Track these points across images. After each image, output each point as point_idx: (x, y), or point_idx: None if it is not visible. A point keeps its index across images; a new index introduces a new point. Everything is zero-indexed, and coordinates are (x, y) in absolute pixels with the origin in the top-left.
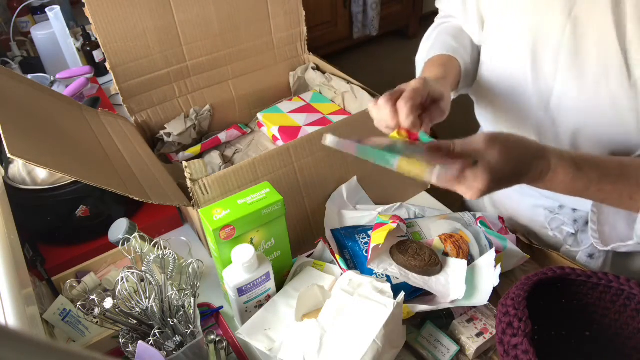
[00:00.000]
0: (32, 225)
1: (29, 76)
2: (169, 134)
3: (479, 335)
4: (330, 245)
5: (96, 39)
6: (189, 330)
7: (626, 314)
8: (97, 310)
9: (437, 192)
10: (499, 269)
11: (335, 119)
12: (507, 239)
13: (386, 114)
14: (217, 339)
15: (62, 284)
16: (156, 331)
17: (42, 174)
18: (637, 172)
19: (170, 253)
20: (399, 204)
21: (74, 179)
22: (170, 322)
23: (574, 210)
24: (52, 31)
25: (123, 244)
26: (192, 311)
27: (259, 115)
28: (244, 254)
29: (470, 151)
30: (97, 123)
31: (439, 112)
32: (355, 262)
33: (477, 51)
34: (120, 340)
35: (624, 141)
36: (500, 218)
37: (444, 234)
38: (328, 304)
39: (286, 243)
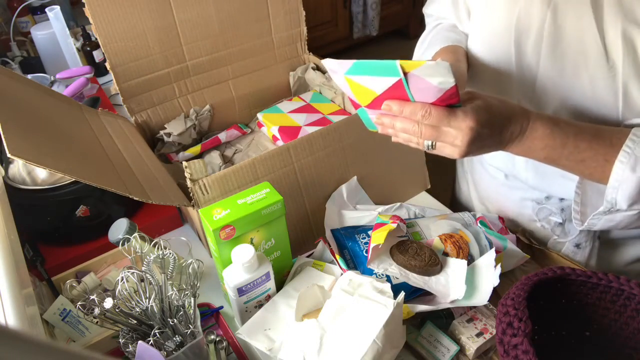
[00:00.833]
0: (32, 225)
1: (29, 76)
2: (169, 134)
3: (479, 335)
4: (330, 245)
5: (96, 39)
6: (189, 330)
7: (626, 314)
8: (97, 310)
9: (437, 192)
10: (499, 269)
11: (335, 119)
12: (507, 239)
13: None
14: (217, 339)
15: (62, 284)
16: (156, 331)
17: (42, 174)
18: (611, 134)
19: (170, 253)
20: (399, 204)
21: (74, 179)
22: (170, 322)
23: (561, 199)
24: (52, 31)
25: (123, 244)
26: (192, 311)
27: (259, 115)
28: (244, 254)
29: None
30: (97, 123)
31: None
32: (355, 262)
33: None
34: (120, 340)
35: (602, 122)
36: (500, 218)
37: (444, 234)
38: (328, 304)
39: (286, 243)
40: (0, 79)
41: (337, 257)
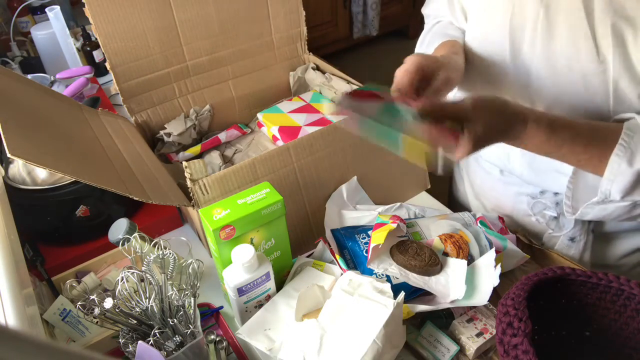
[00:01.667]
0: (32, 225)
1: (29, 76)
2: (169, 134)
3: (479, 335)
4: (330, 245)
5: (96, 39)
6: (189, 330)
7: (626, 314)
8: (97, 310)
9: (437, 192)
10: (499, 269)
11: (335, 119)
12: (507, 239)
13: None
14: (217, 339)
15: (62, 284)
16: (156, 331)
17: (42, 174)
18: (606, 134)
19: (170, 253)
20: (399, 204)
21: (74, 179)
22: (170, 322)
23: (556, 194)
24: (52, 31)
25: (123, 244)
26: (192, 311)
27: (259, 115)
28: (244, 254)
29: (459, 112)
30: (97, 123)
31: (442, 83)
32: (355, 262)
33: None
34: (120, 340)
35: (595, 116)
36: (500, 218)
37: (444, 234)
38: (328, 304)
39: (286, 243)
40: (0, 79)
41: (337, 257)
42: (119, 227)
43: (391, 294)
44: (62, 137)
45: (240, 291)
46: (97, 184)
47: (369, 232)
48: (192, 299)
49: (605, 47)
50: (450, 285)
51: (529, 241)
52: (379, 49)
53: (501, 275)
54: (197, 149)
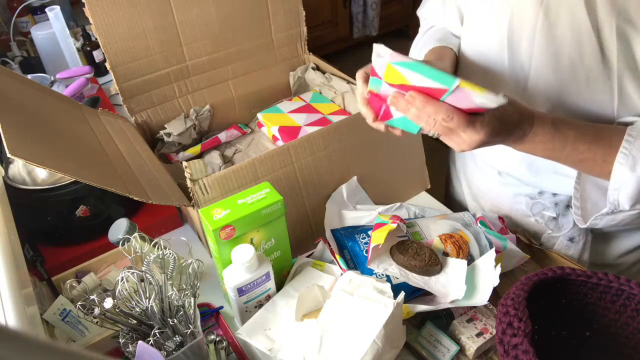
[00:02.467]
0: (32, 225)
1: (29, 76)
2: (169, 134)
3: (479, 335)
4: (330, 245)
5: (96, 39)
6: (189, 330)
7: (626, 314)
8: (97, 310)
9: (436, 192)
10: (499, 269)
11: (335, 119)
12: (507, 239)
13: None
14: (217, 339)
15: (62, 284)
16: (156, 331)
17: (42, 174)
18: (610, 134)
19: (170, 253)
20: (399, 204)
21: (74, 179)
22: (170, 322)
23: (554, 194)
24: (52, 31)
25: (123, 244)
26: (192, 311)
27: (259, 115)
28: (244, 254)
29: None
30: (97, 123)
31: None
32: (355, 262)
33: None
34: (120, 340)
35: (597, 118)
36: (500, 218)
37: (444, 234)
38: (328, 304)
39: (286, 243)
40: (0, 79)
41: (337, 257)
42: (119, 227)
43: (391, 294)
44: (62, 137)
45: (240, 291)
46: (97, 184)
47: (369, 232)
48: (192, 299)
49: (609, 49)
50: (450, 285)
51: (529, 241)
52: None
53: (501, 275)
54: (197, 149)
